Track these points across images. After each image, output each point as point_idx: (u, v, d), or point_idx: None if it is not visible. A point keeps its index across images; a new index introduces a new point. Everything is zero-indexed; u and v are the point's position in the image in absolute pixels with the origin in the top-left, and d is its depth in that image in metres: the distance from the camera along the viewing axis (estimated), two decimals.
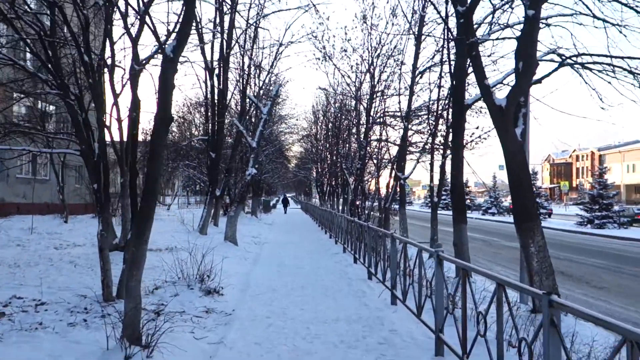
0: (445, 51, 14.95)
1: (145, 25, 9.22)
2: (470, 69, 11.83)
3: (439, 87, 15.97)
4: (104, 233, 8.51)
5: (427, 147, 20.20)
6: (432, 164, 16.33)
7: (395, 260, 9.04)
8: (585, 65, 9.34)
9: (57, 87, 9.81)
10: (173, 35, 7.93)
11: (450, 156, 16.17)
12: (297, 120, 64.32)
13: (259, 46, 24.14)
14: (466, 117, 11.99)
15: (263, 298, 9.75)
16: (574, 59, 9.13)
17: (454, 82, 11.87)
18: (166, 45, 6.16)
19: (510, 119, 7.68)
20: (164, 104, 5.99)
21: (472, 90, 14.44)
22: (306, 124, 49.04)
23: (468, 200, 68.98)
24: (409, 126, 20.42)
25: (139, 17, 8.42)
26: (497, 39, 9.55)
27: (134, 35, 9.45)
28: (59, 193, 25.03)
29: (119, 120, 13.55)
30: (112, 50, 12.73)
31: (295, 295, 10.03)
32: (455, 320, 5.74)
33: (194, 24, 20.44)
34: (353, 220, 15.43)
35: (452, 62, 13.46)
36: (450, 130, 15.30)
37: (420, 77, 19.96)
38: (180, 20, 6.54)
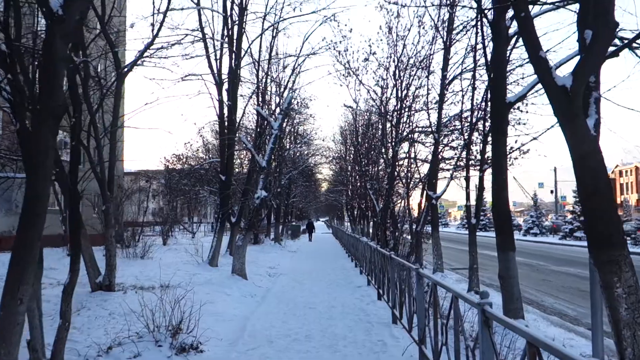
0: (479, 43, 12.76)
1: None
2: (512, 56, 9.59)
3: (473, 88, 13.67)
4: None
5: (461, 162, 17.86)
6: (467, 180, 13.97)
7: (422, 305, 6.72)
8: None
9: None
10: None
11: (489, 169, 13.82)
12: (323, 140, 62.66)
13: (273, 58, 22.23)
14: (509, 120, 9.62)
15: (253, 357, 7.50)
16: None
17: (492, 75, 9.59)
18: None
19: (579, 104, 5.38)
20: (51, 85, 3.90)
21: (514, 89, 12.18)
22: (334, 145, 47.19)
23: None
24: (440, 140, 18.13)
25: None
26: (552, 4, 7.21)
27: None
28: (62, 223, 23.26)
29: (97, 137, 11.68)
30: (85, 55, 10.88)
31: (296, 350, 7.77)
32: None
33: (199, 34, 18.77)
34: (376, 248, 13.10)
35: (488, 55, 11.19)
36: (489, 137, 12.97)
37: (451, 83, 17.77)
38: None
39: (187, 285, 13.71)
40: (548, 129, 11.50)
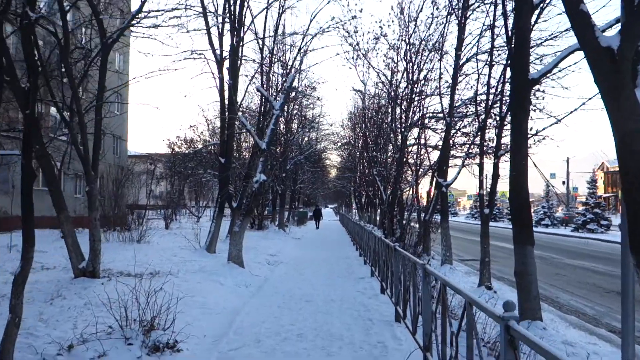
0: (498, 18, 11.74)
1: None
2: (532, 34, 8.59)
3: (490, 66, 12.62)
4: None
5: (474, 147, 16.86)
6: (481, 167, 12.94)
7: (429, 307, 5.80)
8: None
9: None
10: None
11: (504, 157, 12.85)
12: (331, 125, 61.60)
13: (279, 36, 21.21)
14: (531, 99, 8.62)
15: (234, 359, 6.63)
16: None
17: (513, 49, 8.58)
18: None
19: (628, 70, 4.41)
20: None
21: (535, 66, 11.13)
22: (342, 130, 46.26)
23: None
24: (453, 124, 17.13)
25: None
26: None
27: None
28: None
29: (80, 113, 10.79)
30: (65, 22, 9.99)
31: (284, 352, 6.87)
32: None
33: (200, 9, 17.78)
34: (380, 238, 12.17)
35: (509, 30, 10.15)
36: (506, 120, 11.99)
37: (465, 65, 16.74)
38: None
39: (178, 272, 12.90)
40: (572, 111, 10.47)
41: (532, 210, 56.87)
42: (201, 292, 10.76)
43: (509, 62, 10.35)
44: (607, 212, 50.79)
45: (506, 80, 12.17)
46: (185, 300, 9.89)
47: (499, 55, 13.69)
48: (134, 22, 10.99)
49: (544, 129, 11.97)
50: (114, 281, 11.25)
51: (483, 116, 13.01)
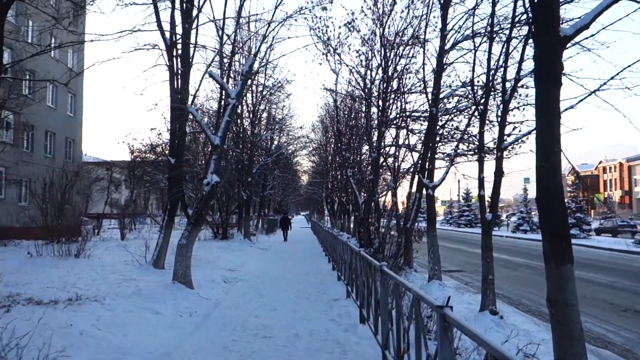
0: None
1: None
2: None
3: (491, 38, 10.27)
4: None
5: (465, 143, 14.67)
6: (481, 161, 10.58)
7: None
8: None
9: None
10: None
11: (510, 147, 10.60)
12: (301, 128, 59.14)
13: (242, 18, 18.70)
14: (563, 64, 6.26)
15: None
16: None
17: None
18: None
19: None
20: None
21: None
22: (314, 135, 44.04)
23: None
24: (439, 116, 14.88)
25: None
26: None
27: None
28: None
29: None
30: None
31: None
32: None
33: None
34: (358, 253, 9.74)
35: None
36: (511, 103, 9.73)
37: (453, 48, 14.53)
38: None
39: (105, 297, 10.27)
40: (611, 78, 8.11)
41: (505, 215, 55.61)
42: (125, 326, 8.24)
43: (530, 19, 8.05)
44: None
45: (509, 55, 9.91)
46: (98, 339, 7.39)
47: (500, 33, 11.45)
48: None
49: (569, 107, 9.30)
50: (15, 312, 8.64)
51: (483, 95, 10.63)
